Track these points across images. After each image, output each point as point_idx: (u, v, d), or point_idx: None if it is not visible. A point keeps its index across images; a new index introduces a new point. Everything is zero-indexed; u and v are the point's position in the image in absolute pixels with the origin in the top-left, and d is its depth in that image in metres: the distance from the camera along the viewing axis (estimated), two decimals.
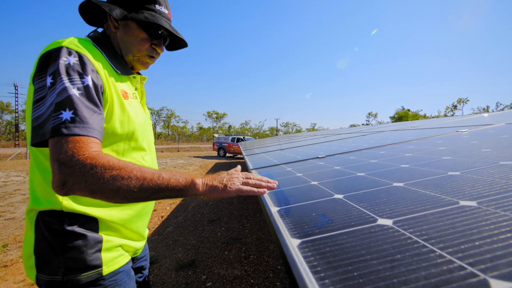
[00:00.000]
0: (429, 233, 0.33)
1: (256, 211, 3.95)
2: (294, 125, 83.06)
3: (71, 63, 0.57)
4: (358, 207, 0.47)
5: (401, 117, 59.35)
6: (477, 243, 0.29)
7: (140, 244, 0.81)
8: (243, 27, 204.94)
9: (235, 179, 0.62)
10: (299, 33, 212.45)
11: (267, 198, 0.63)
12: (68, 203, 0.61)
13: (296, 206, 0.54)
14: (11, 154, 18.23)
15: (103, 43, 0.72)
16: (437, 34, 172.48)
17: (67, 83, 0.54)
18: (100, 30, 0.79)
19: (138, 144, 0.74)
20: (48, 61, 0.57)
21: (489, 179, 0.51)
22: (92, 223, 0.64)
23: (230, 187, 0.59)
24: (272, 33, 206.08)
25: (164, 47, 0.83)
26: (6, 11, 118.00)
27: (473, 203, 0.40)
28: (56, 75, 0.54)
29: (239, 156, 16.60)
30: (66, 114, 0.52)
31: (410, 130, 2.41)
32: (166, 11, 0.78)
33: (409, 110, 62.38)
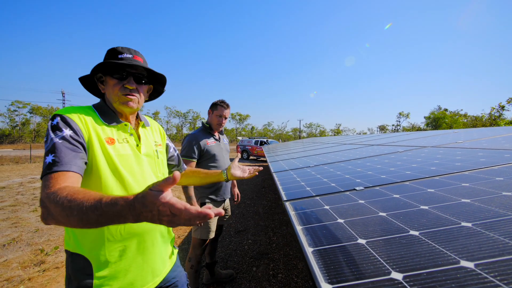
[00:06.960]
0: None
1: (282, 222, 3.90)
2: (318, 126, 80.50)
3: (55, 123, 0.77)
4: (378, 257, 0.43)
5: (437, 118, 53.95)
6: None
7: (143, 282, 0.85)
8: (267, 26, 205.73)
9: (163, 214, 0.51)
10: (326, 32, 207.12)
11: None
12: (70, 243, 0.81)
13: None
14: None
15: (100, 105, 0.93)
16: (481, 24, 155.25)
17: (51, 136, 0.74)
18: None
19: (125, 182, 0.84)
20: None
21: None
22: (87, 263, 0.78)
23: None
24: (296, 32, 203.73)
25: (140, 85, 0.94)
26: (52, 26, 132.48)
27: None
28: (47, 133, 0.76)
29: (262, 159, 16.59)
30: (49, 158, 0.70)
31: (456, 147, 2.16)
32: (129, 56, 0.91)
33: (446, 109, 56.66)
